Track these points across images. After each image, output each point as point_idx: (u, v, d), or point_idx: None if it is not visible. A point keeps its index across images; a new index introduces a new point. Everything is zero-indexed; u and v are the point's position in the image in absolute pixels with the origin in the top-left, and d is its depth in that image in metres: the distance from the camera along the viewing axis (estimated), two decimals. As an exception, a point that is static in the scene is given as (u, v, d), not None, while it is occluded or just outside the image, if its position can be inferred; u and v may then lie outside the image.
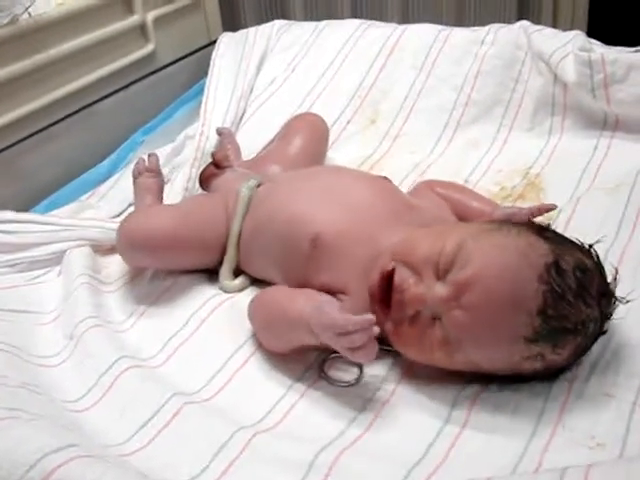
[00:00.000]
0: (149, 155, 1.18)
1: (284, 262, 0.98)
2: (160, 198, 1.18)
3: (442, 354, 0.81)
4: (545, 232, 0.84)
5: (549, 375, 0.82)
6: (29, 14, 1.29)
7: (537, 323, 0.76)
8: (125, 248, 1.04)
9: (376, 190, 1.00)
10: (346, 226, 0.93)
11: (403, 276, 0.83)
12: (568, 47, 1.33)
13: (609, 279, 0.84)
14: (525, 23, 1.46)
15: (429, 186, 1.11)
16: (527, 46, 1.41)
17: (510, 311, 0.77)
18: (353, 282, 0.90)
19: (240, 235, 1.05)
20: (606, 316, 0.83)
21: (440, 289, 0.80)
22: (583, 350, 0.82)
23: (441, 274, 0.81)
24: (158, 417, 0.81)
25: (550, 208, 1.03)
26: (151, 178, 1.17)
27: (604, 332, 0.84)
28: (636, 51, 1.31)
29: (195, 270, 1.08)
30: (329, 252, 0.92)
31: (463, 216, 1.05)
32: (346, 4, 2.20)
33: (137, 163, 1.19)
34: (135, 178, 1.19)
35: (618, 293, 0.85)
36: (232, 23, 2.06)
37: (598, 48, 1.35)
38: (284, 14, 2.20)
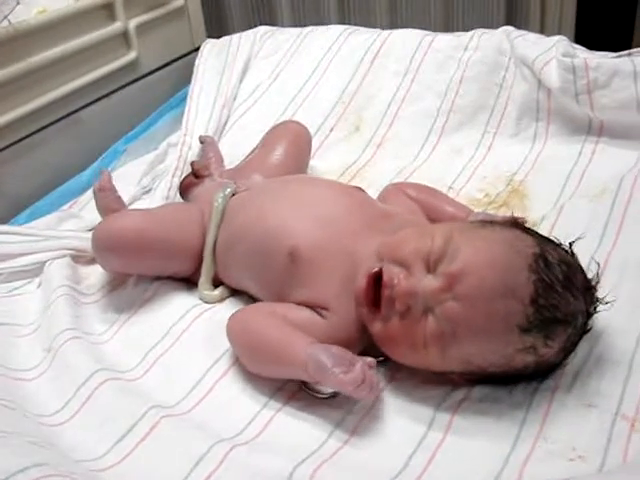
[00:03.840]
0: (101, 172, 1.16)
1: (261, 275, 0.97)
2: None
3: (435, 349, 0.80)
4: (528, 229, 0.86)
5: (537, 375, 0.82)
6: (9, 22, 1.28)
7: (530, 312, 0.77)
8: (97, 249, 1.03)
9: (350, 201, 0.99)
10: (323, 240, 0.92)
11: (392, 271, 0.83)
12: (551, 52, 1.32)
13: (591, 277, 0.85)
14: (509, 28, 1.46)
15: (400, 189, 1.11)
16: (510, 51, 1.40)
17: (503, 299, 0.77)
18: (334, 297, 0.89)
19: (216, 245, 1.04)
20: (590, 313, 0.83)
21: (432, 281, 0.80)
22: (571, 345, 0.82)
23: (432, 267, 0.81)
24: (135, 430, 0.80)
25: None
26: (108, 197, 1.13)
27: (589, 329, 0.84)
28: (619, 56, 1.30)
29: (176, 280, 1.07)
30: (307, 266, 0.91)
31: (435, 220, 1.04)
32: (333, 9, 2.20)
33: (95, 184, 1.15)
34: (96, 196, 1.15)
35: (601, 299, 0.85)
36: (219, 29, 2.06)
37: (581, 53, 1.34)
38: (272, 19, 2.20)
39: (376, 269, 0.84)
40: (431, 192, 1.12)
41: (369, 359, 0.80)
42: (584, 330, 0.83)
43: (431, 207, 1.07)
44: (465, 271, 0.78)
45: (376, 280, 0.84)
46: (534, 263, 0.78)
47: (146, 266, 1.05)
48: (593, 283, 0.84)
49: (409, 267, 0.82)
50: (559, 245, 0.85)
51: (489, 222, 0.88)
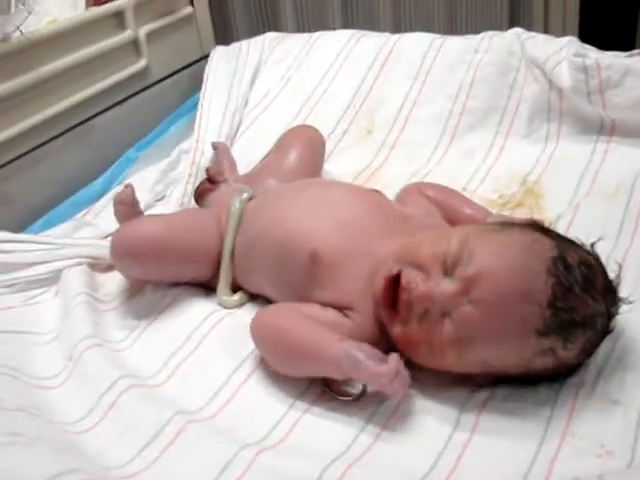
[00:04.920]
0: (125, 186, 1.14)
1: (280, 278, 0.97)
2: None
3: (453, 353, 0.80)
4: (548, 231, 0.85)
5: (558, 376, 0.82)
6: (21, 32, 1.28)
7: (547, 315, 0.76)
8: (115, 256, 1.03)
9: (368, 204, 0.99)
10: (343, 242, 0.92)
11: (410, 275, 0.82)
12: (562, 53, 1.32)
13: (612, 277, 0.84)
14: (518, 30, 1.46)
15: (419, 190, 1.10)
16: (521, 53, 1.40)
17: (520, 303, 0.77)
18: (357, 297, 0.89)
19: (234, 250, 1.04)
20: (611, 314, 0.82)
21: (448, 285, 0.80)
22: (592, 347, 0.82)
23: (449, 271, 0.81)
24: (160, 437, 0.80)
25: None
26: (128, 210, 1.12)
27: (610, 331, 0.83)
28: (630, 55, 1.30)
29: (194, 286, 1.07)
30: (328, 268, 0.91)
31: (453, 222, 1.03)
32: (338, 15, 2.20)
33: (116, 195, 1.14)
34: (115, 208, 1.14)
35: (621, 297, 0.85)
36: (225, 37, 2.06)
37: (592, 53, 1.34)
38: (276, 26, 2.20)
39: (394, 272, 0.84)
40: (449, 193, 1.12)
41: (398, 353, 0.80)
42: (605, 332, 0.83)
43: (449, 208, 1.06)
44: (481, 275, 0.78)
45: (394, 283, 0.84)
46: (552, 266, 0.77)
47: (165, 272, 1.04)
48: (614, 284, 0.84)
49: (427, 270, 0.82)
50: (581, 246, 0.85)
51: (507, 224, 0.87)
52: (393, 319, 0.84)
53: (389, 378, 0.77)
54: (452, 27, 2.18)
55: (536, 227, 0.86)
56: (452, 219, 1.04)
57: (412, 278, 0.82)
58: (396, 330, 0.84)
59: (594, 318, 0.79)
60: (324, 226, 0.95)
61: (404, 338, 0.84)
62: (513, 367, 0.80)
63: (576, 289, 0.77)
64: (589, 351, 0.82)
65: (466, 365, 0.81)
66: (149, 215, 1.17)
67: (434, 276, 0.81)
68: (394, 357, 0.78)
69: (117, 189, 1.34)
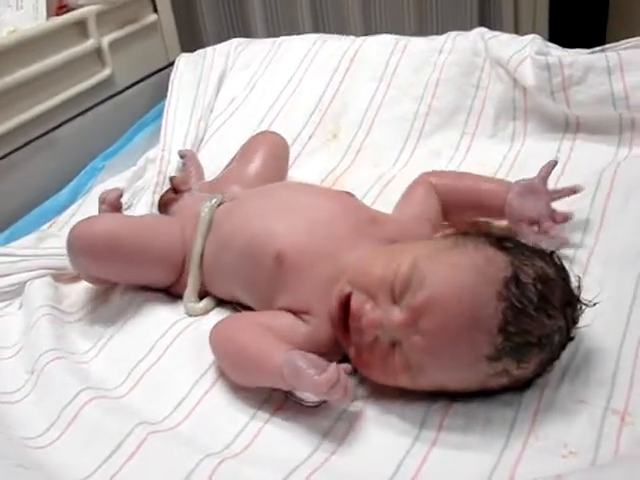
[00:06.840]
0: (115, 188, 1.14)
1: (248, 281, 0.97)
2: None
3: (405, 378, 0.80)
4: (504, 242, 0.82)
5: (519, 387, 0.81)
6: (-20, 43, 1.27)
7: (499, 341, 0.75)
8: (69, 251, 1.02)
9: (338, 206, 0.99)
10: (308, 244, 0.92)
11: (359, 302, 0.82)
12: (525, 51, 1.32)
13: (574, 284, 0.83)
14: (482, 29, 1.46)
15: (429, 183, 1.07)
16: (485, 52, 1.40)
17: (469, 332, 0.75)
18: (315, 302, 0.88)
19: (203, 256, 1.03)
20: (572, 323, 0.81)
21: (396, 314, 0.79)
22: (551, 360, 0.81)
23: (397, 297, 0.80)
24: (122, 449, 0.79)
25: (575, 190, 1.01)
26: (111, 212, 1.12)
27: (572, 338, 0.82)
28: (592, 52, 1.31)
29: (159, 295, 1.06)
30: (292, 270, 0.91)
31: (477, 202, 1.03)
32: (307, 18, 2.20)
33: (103, 192, 1.15)
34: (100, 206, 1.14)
35: (586, 297, 0.84)
36: (193, 43, 2.05)
37: (555, 51, 1.35)
38: (246, 32, 2.20)
39: (345, 292, 0.84)
40: (463, 177, 1.11)
41: (344, 365, 0.79)
42: (565, 342, 0.81)
43: (466, 191, 1.05)
44: (429, 305, 0.76)
45: (346, 304, 0.83)
46: (504, 289, 0.75)
47: (119, 271, 1.03)
48: (575, 292, 0.82)
49: (375, 297, 0.81)
50: (542, 254, 0.82)
51: (462, 238, 0.84)
52: (348, 341, 0.84)
53: (327, 387, 0.76)
54: (422, 28, 2.19)
55: (492, 240, 0.83)
56: (474, 199, 1.04)
57: (360, 304, 0.81)
58: (351, 352, 0.84)
59: (550, 336, 0.78)
60: (291, 228, 0.94)
61: (358, 360, 0.83)
62: (468, 388, 0.80)
63: (530, 310, 0.75)
64: (547, 364, 0.81)
65: (421, 387, 0.81)
66: (108, 213, 1.12)
67: (382, 303, 0.80)
68: (333, 365, 0.77)
69: (82, 200, 1.34)
